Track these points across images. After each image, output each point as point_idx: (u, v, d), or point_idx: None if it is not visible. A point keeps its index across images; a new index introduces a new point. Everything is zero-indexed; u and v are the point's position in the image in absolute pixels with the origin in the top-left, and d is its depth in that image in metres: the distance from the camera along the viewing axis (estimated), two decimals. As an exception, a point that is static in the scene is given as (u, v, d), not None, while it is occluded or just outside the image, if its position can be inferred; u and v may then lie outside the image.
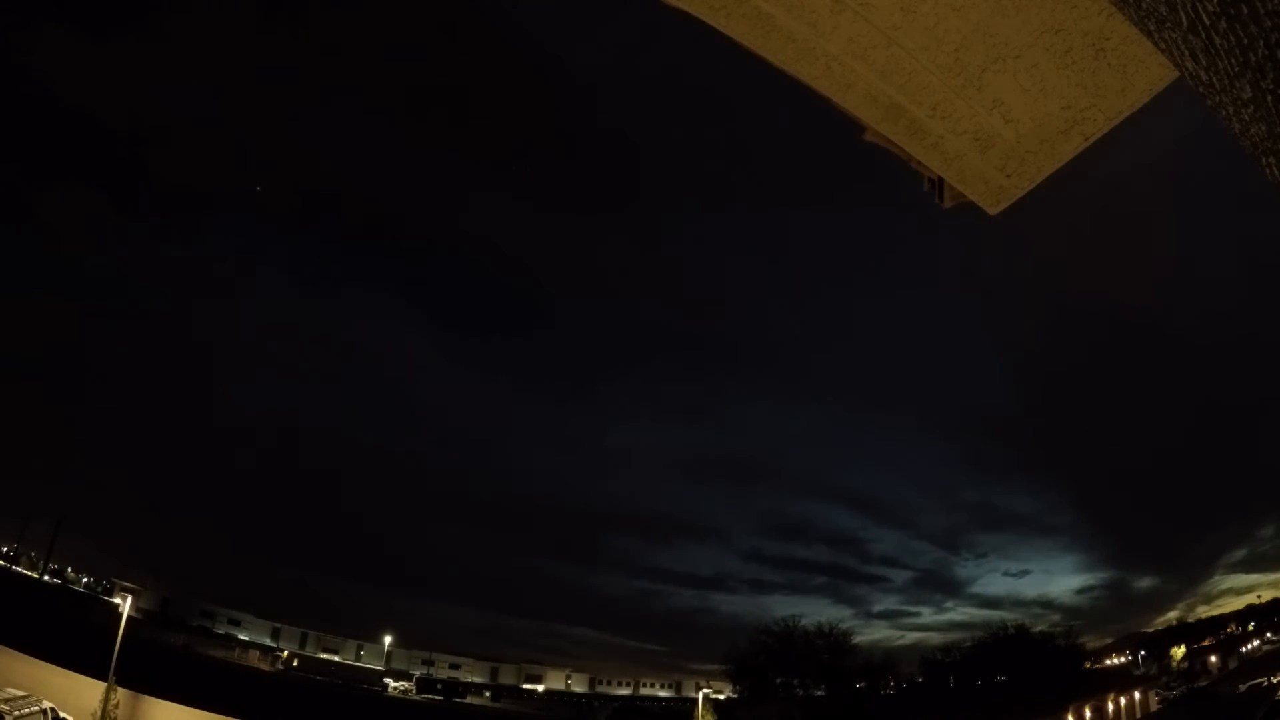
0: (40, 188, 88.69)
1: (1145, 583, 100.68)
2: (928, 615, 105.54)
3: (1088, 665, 77.04)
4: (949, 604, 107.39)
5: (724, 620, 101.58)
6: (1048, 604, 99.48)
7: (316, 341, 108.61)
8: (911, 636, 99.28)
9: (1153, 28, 1.84)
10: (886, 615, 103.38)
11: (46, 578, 61.42)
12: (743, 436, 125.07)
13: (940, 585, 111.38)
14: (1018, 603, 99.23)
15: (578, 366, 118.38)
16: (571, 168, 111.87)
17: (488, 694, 74.63)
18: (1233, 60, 1.54)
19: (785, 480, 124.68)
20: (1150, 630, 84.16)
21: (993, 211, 3.77)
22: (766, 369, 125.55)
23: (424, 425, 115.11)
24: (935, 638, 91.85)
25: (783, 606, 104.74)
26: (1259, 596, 77.77)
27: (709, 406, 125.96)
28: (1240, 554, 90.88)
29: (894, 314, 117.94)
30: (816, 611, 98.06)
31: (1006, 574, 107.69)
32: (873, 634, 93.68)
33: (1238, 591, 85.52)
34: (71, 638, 26.90)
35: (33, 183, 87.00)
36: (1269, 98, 1.50)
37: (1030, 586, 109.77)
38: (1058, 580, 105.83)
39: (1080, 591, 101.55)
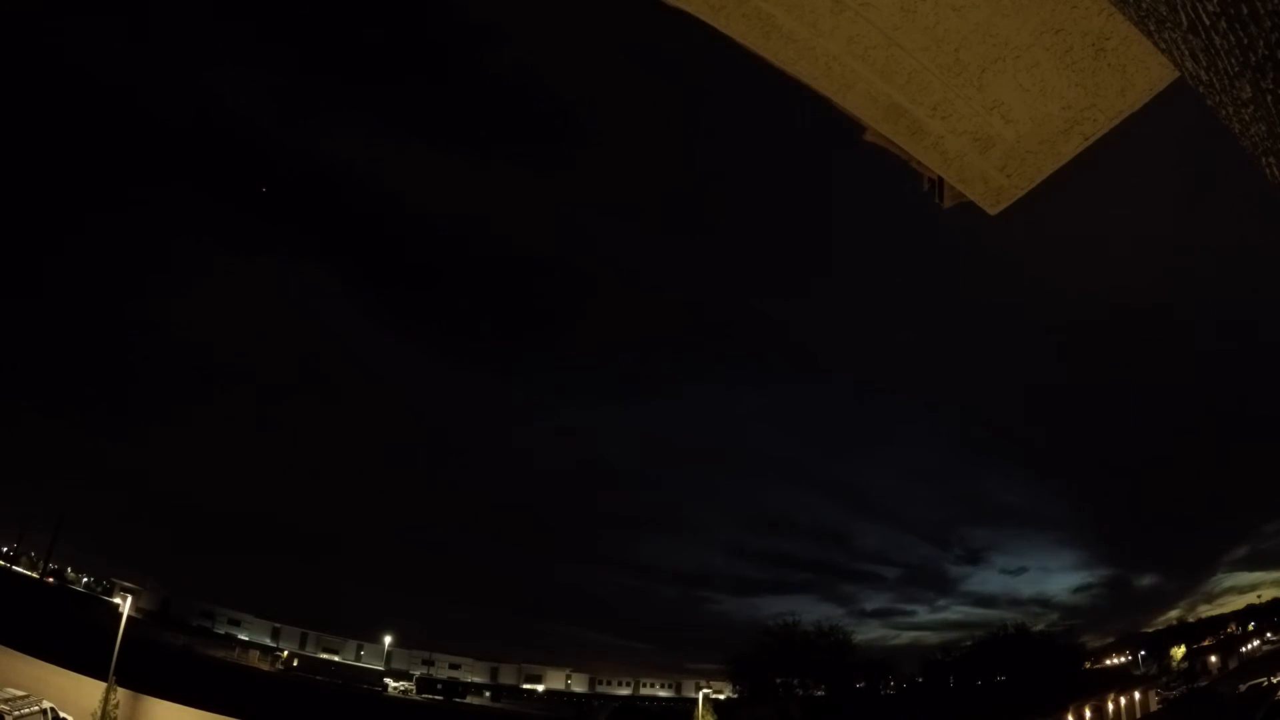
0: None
1: (1146, 581, 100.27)
2: (923, 614, 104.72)
3: (1088, 665, 77.06)
4: (943, 602, 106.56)
5: (712, 619, 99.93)
6: (1045, 602, 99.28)
7: (311, 349, 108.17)
8: (907, 636, 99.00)
9: (1153, 28, 1.84)
10: (880, 614, 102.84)
11: (49, 579, 61.44)
12: (710, 422, 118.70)
13: (934, 583, 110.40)
14: (1015, 601, 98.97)
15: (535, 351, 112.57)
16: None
17: (488, 694, 74.65)
18: (1233, 60, 1.54)
19: (760, 469, 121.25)
20: (1150, 630, 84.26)
21: (993, 211, 3.80)
22: (734, 347, 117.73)
23: (415, 430, 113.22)
24: (931, 637, 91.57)
25: (771, 605, 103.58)
26: (1259, 596, 77.90)
27: (675, 387, 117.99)
28: (1242, 551, 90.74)
29: (875, 291, 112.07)
30: (805, 610, 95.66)
31: (1003, 571, 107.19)
32: (867, 633, 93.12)
33: (1240, 590, 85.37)
34: (71, 638, 26.93)
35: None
36: (1269, 98, 1.50)
37: (1028, 585, 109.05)
38: (1056, 578, 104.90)
39: (1079, 590, 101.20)
